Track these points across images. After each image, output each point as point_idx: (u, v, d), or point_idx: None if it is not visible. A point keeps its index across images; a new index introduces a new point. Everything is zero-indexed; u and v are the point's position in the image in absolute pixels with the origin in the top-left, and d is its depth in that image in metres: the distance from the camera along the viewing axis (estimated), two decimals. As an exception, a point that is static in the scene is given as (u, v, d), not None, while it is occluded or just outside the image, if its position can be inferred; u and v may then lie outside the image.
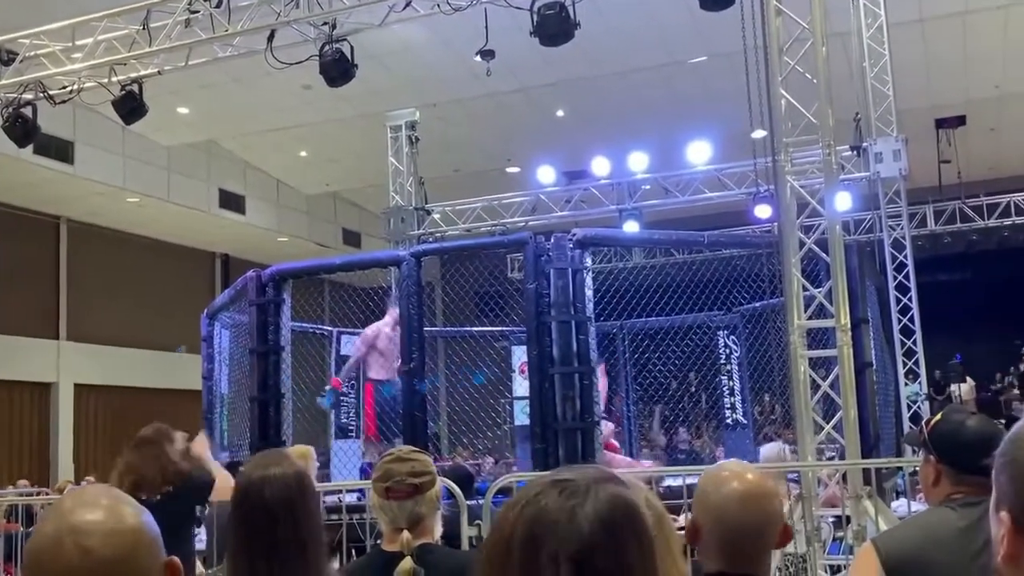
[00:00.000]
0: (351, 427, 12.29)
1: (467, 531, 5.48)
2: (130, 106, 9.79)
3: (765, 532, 2.15)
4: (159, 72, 9.91)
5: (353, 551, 6.60)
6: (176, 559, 1.41)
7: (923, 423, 2.69)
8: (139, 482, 4.76)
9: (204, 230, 19.83)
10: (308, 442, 10.69)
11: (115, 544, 1.34)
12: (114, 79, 9.74)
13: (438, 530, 3.01)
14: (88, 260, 18.53)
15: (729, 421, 12.41)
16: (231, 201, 19.39)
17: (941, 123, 17.15)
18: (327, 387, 11.05)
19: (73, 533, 1.33)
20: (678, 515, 5.64)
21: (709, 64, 14.19)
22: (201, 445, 5.40)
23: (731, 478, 2.18)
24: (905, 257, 14.41)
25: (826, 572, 6.25)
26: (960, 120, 17.18)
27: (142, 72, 9.88)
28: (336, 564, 6.83)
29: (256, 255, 19.97)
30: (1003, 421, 8.10)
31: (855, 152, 12.53)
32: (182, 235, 19.99)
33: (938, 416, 2.63)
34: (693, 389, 13.57)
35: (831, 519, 5.91)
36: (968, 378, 17.94)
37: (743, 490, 2.14)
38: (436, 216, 15.54)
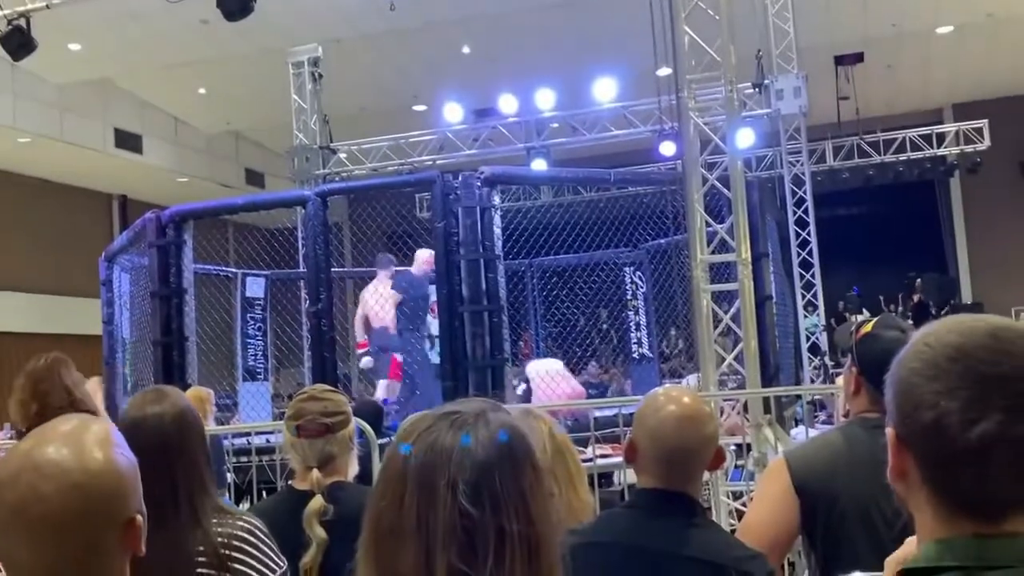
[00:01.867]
0: (259, 369, 12.20)
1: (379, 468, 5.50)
2: (18, 42, 9.39)
3: (699, 453, 2.27)
4: (47, 6, 9.51)
5: (264, 492, 6.59)
6: (138, 518, 1.36)
7: (855, 328, 2.61)
8: (44, 410, 4.66)
9: (100, 171, 19.19)
10: (214, 386, 10.59)
11: (71, 496, 1.29)
12: (0, 13, 9.31)
13: (352, 469, 3.02)
14: (-23, 203, 17.82)
15: (636, 355, 12.65)
16: (127, 141, 18.79)
17: (840, 60, 17.47)
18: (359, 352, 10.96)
19: (34, 471, 1.29)
20: (586, 447, 5.77)
21: (615, 0, 14.16)
22: (93, 389, 5.30)
23: (669, 402, 2.29)
24: (804, 192, 14.76)
25: (728, 497, 6.47)
26: (858, 57, 17.53)
27: (30, 6, 9.46)
28: (246, 505, 6.83)
29: (155, 196, 19.41)
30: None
31: (756, 89, 12.73)
32: (77, 176, 19.33)
33: (870, 324, 2.54)
34: (603, 326, 13.78)
35: (732, 447, 6.10)
36: (864, 310, 18.56)
37: (679, 413, 2.25)
38: (342, 155, 15.33)
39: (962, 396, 1.08)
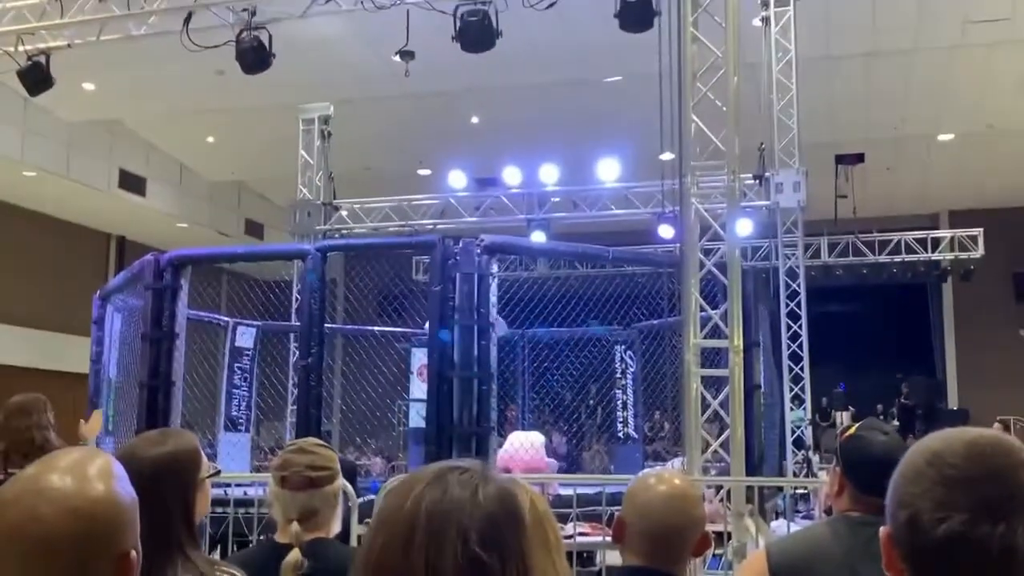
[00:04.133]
0: (241, 420, 12.12)
1: (357, 529, 5.47)
2: (36, 78, 9.50)
3: (685, 534, 2.30)
4: (69, 46, 9.64)
5: (236, 545, 6.53)
6: (132, 553, 1.37)
7: (840, 430, 2.72)
8: (9, 450, 4.63)
9: (101, 210, 19.28)
10: (196, 433, 10.52)
11: (68, 520, 1.31)
12: (21, 49, 9.44)
13: (335, 527, 3.00)
14: (-26, 232, 17.84)
15: (620, 435, 12.61)
16: (131, 182, 18.90)
17: (841, 159, 17.73)
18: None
19: (36, 494, 1.32)
20: (565, 523, 5.73)
21: (624, 84, 14.42)
22: (93, 426, 5.26)
23: (658, 482, 2.36)
24: (798, 286, 14.84)
25: (705, 585, 6.41)
26: (859, 157, 17.79)
27: (51, 44, 9.59)
28: (217, 555, 6.75)
29: (154, 239, 19.49)
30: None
31: (757, 181, 12.90)
32: (78, 214, 19.40)
33: (854, 427, 2.62)
34: (591, 402, 13.75)
35: (712, 535, 6.06)
36: (850, 407, 18.56)
37: (667, 492, 2.31)
38: (343, 213, 15.44)
39: (933, 496, 1.18)
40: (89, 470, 1.37)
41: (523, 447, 9.25)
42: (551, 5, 8.30)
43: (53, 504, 1.31)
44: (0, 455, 4.63)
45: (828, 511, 2.77)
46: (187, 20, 8.98)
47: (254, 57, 9.06)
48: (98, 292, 10.98)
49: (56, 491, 1.32)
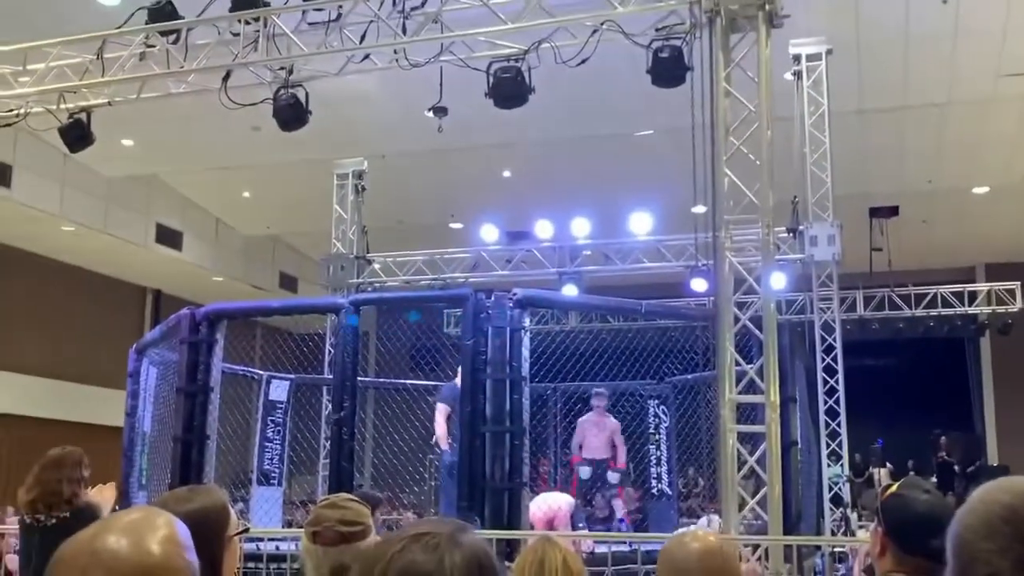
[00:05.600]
0: (274, 474, 12.09)
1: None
2: (77, 135, 9.66)
3: None
4: (109, 103, 9.83)
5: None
6: None
7: (881, 489, 2.69)
8: (38, 499, 4.68)
9: (138, 264, 19.53)
10: (229, 487, 10.51)
11: None
12: (63, 106, 9.63)
13: (368, 582, 2.96)
14: (14, 285, 18.09)
15: (655, 491, 12.45)
16: (168, 237, 19.16)
17: (875, 212, 17.65)
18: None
19: (91, 556, 1.27)
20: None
21: (656, 138, 14.47)
22: (107, 495, 5.26)
23: (694, 540, 2.40)
24: (834, 340, 14.67)
25: (743, 647, 6.28)
26: (893, 211, 17.70)
27: (92, 102, 9.78)
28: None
29: (189, 293, 19.71)
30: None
31: (791, 234, 12.83)
32: (115, 268, 19.66)
33: (895, 486, 2.58)
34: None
35: (750, 594, 5.94)
36: (887, 463, 18.25)
37: (703, 549, 2.34)
38: (376, 266, 15.53)
39: (1013, 556, 1.16)
40: (147, 534, 1.32)
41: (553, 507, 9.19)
42: (583, 62, 8.35)
43: (102, 567, 1.26)
44: (29, 503, 4.69)
45: (867, 570, 2.72)
46: (226, 78, 9.13)
47: (291, 114, 9.17)
48: (134, 346, 11.06)
49: (109, 552, 1.27)
